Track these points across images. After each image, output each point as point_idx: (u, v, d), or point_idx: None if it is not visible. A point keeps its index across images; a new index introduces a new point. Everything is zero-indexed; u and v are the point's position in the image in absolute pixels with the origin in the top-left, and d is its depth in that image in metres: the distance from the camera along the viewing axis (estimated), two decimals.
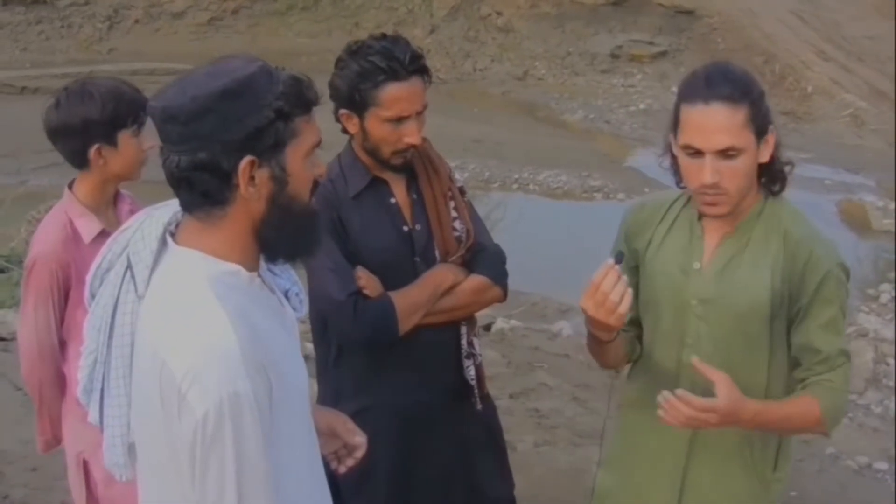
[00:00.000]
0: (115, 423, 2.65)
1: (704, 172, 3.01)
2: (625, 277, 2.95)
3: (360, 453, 3.03)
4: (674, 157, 3.22)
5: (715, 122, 2.99)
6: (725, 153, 3.00)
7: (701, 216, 3.25)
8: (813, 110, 20.12)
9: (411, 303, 3.68)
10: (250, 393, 2.27)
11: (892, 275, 12.26)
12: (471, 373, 3.90)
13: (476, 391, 3.94)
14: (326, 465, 2.94)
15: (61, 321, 3.85)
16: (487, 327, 9.42)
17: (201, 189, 2.35)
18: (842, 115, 20.34)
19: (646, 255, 3.37)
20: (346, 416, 3.10)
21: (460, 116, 19.42)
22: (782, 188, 3.23)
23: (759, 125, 3.05)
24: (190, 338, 2.31)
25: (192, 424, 2.26)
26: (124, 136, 3.77)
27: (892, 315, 10.84)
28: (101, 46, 25.41)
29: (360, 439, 3.03)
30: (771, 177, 3.19)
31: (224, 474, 2.29)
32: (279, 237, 2.45)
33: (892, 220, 14.33)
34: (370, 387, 3.80)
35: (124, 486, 3.91)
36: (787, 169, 3.21)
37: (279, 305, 2.62)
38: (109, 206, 3.93)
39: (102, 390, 2.66)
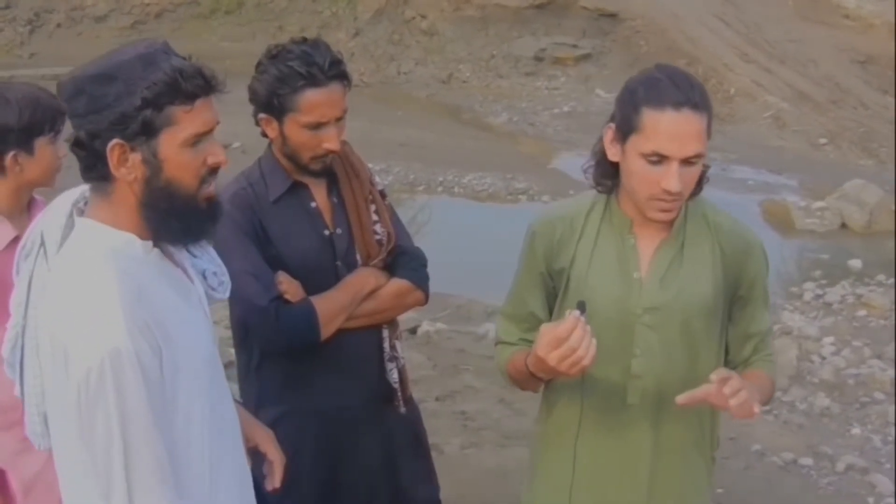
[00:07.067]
0: (31, 391, 2.68)
1: (671, 180, 2.94)
2: (589, 328, 2.84)
3: (276, 472, 3.17)
4: (604, 162, 3.17)
5: (688, 129, 2.93)
6: (689, 160, 2.96)
7: (632, 225, 3.20)
8: (735, 112, 20.30)
9: (333, 307, 3.67)
10: (132, 351, 2.35)
11: (816, 273, 12.40)
12: (394, 376, 3.91)
13: (399, 394, 3.94)
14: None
15: None
16: (413, 330, 9.41)
17: (84, 164, 2.51)
18: (764, 117, 20.54)
19: (571, 273, 3.27)
20: (271, 433, 3.22)
21: (385, 120, 19.39)
22: (700, 189, 3.21)
23: (710, 130, 3.03)
24: (74, 298, 2.40)
25: (76, 382, 2.34)
26: (41, 144, 3.72)
27: (816, 313, 10.96)
28: (22, 51, 25.10)
29: (278, 456, 3.18)
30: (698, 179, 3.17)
31: (110, 432, 2.36)
32: (160, 219, 2.53)
33: (815, 220, 14.50)
34: (293, 391, 3.80)
35: (45, 494, 3.88)
36: (706, 171, 3.19)
37: (183, 279, 2.70)
38: (24, 212, 3.86)
39: (22, 362, 2.71)
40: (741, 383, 2.83)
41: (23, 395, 2.73)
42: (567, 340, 2.82)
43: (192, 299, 2.69)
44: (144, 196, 2.50)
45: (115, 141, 2.42)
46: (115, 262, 2.45)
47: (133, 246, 2.52)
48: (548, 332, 2.87)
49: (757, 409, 2.83)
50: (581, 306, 2.87)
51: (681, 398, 2.90)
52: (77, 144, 2.48)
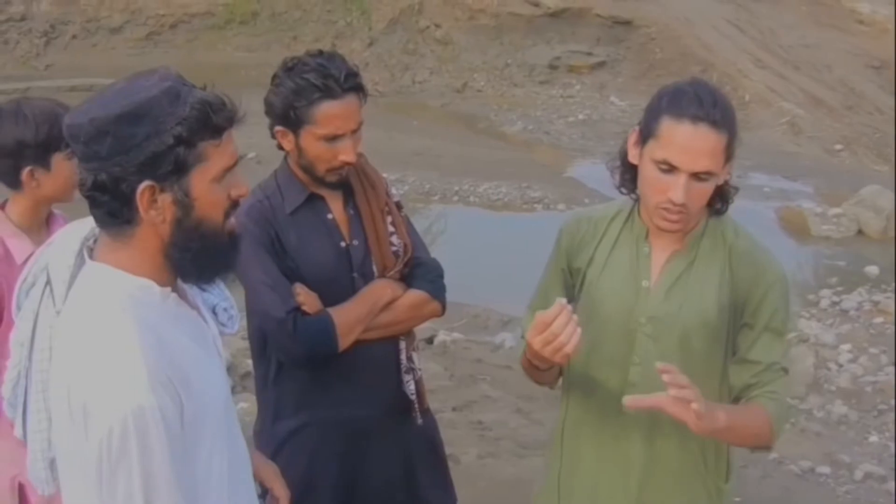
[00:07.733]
0: (35, 437, 2.61)
1: (677, 191, 2.97)
2: (575, 317, 2.88)
3: None
4: (626, 163, 3.21)
5: (701, 145, 2.96)
6: (699, 175, 2.98)
7: (648, 234, 3.23)
8: (750, 118, 20.22)
9: (350, 319, 3.68)
10: (156, 407, 2.23)
11: (832, 280, 12.38)
12: (410, 388, 3.91)
13: (416, 406, 3.94)
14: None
15: None
16: (430, 340, 9.42)
17: (105, 209, 2.33)
18: (779, 123, 20.50)
19: (587, 274, 3.33)
20: (277, 469, 3.16)
21: (400, 129, 19.38)
22: (726, 209, 3.23)
23: (731, 152, 3.05)
24: (95, 353, 2.27)
25: (97, 441, 2.21)
26: (58, 159, 3.73)
27: (833, 320, 10.94)
28: (38, 62, 25.14)
29: (284, 493, 3.11)
30: (720, 198, 3.18)
31: (131, 491, 2.24)
32: (188, 259, 2.40)
33: (831, 226, 14.47)
34: (310, 403, 3.80)
35: None
36: (732, 191, 3.22)
37: (199, 322, 2.58)
38: (42, 227, 3.88)
39: (25, 404, 2.64)
40: (687, 381, 2.78)
41: (24, 437, 2.65)
42: (550, 326, 2.87)
43: (207, 342, 2.57)
44: (174, 237, 2.36)
45: (145, 183, 2.28)
46: (134, 312, 2.32)
47: (150, 292, 2.40)
48: (536, 317, 2.92)
49: (697, 406, 2.72)
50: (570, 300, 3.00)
51: (628, 398, 2.88)
52: (98, 189, 2.31)
